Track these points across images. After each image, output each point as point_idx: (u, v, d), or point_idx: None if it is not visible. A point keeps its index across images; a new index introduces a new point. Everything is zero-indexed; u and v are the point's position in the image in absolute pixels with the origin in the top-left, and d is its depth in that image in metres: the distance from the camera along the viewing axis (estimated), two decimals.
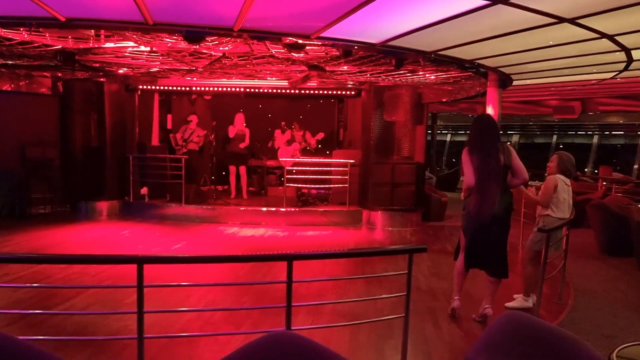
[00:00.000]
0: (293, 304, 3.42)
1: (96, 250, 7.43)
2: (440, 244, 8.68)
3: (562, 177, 5.10)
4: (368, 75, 8.50)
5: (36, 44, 6.51)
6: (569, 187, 5.16)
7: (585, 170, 20.78)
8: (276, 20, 4.62)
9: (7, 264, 5.85)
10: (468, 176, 4.66)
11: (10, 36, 6.03)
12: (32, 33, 5.81)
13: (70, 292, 5.21)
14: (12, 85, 9.96)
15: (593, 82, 8.76)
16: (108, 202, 10.24)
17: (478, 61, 6.30)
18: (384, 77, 8.62)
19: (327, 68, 7.79)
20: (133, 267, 3.16)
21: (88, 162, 10.22)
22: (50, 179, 10.22)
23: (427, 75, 8.19)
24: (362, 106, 10.62)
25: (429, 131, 15.94)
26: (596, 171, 18.93)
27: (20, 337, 3.07)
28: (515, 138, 24.64)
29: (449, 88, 9.49)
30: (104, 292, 5.26)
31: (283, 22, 4.68)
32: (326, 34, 4.90)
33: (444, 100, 10.19)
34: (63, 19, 4.51)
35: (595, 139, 22.06)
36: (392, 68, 6.73)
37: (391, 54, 5.84)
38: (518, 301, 5.31)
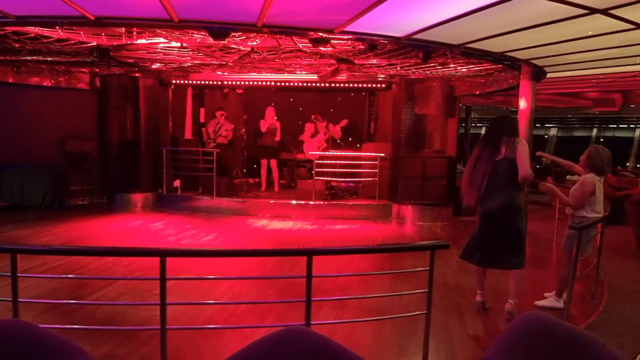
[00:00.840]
0: (314, 299, 3.45)
1: (129, 241, 7.64)
2: None
3: (594, 176, 4.90)
4: (398, 68, 8.41)
5: (72, 41, 6.72)
6: (601, 184, 4.98)
7: (627, 164, 20.02)
8: (298, 15, 4.62)
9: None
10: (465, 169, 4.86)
11: (47, 34, 6.24)
12: (67, 31, 5.99)
13: (102, 282, 5.38)
14: (52, 81, 10.29)
15: (634, 73, 8.41)
16: (142, 194, 10.52)
17: (509, 54, 6.14)
18: (414, 70, 8.51)
19: (356, 61, 7.75)
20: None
21: (124, 155, 10.52)
22: (88, 172, 10.56)
23: (458, 67, 8.04)
24: (392, 99, 10.53)
25: (463, 124, 15.69)
26: (638, 165, 18.24)
27: (52, 326, 3.21)
28: (553, 131, 23.94)
29: (482, 80, 9.30)
30: (134, 282, 5.41)
31: (306, 17, 4.68)
32: (350, 28, 4.87)
33: (476, 93, 9.98)
34: (92, 18, 4.64)
35: (638, 133, 21.21)
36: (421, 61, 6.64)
37: (417, 47, 5.75)
38: (549, 300, 5.18)
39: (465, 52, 5.91)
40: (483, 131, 25.85)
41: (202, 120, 12.35)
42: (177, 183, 10.82)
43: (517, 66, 6.95)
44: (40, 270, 5.68)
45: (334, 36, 5.29)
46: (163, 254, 3.23)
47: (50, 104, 10.43)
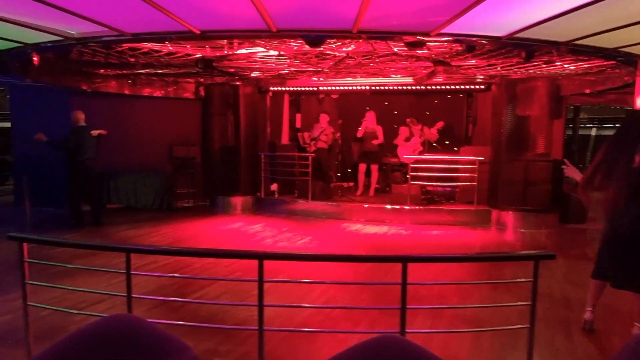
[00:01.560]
0: (409, 307, 3.39)
1: (229, 242, 8.00)
2: (579, 248, 7.97)
3: None
4: (498, 68, 8.05)
5: (179, 54, 7.19)
6: None
7: None
8: (394, 19, 4.58)
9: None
10: (587, 171, 4.31)
11: (158, 48, 6.74)
12: (175, 45, 6.42)
13: (205, 281, 5.68)
14: (162, 92, 11.08)
15: None
16: (242, 198, 10.97)
17: (624, 49, 5.65)
18: (516, 69, 8.10)
19: (453, 63, 7.54)
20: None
21: (225, 160, 11.04)
22: (192, 176, 11.22)
23: (565, 65, 7.53)
24: (492, 100, 10.11)
25: (570, 125, 14.70)
26: None
27: (160, 321, 3.43)
28: None
29: (592, 78, 8.63)
30: (233, 282, 5.66)
31: (401, 21, 4.62)
32: (447, 30, 4.74)
33: (586, 91, 9.29)
34: (198, 32, 4.95)
35: None
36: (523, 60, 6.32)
37: (520, 46, 5.47)
38: None
39: (574, 49, 5.52)
40: (594, 132, 24.00)
41: (298, 125, 12.66)
42: (274, 187, 11.18)
43: (632, 62, 6.38)
44: (150, 268, 6.12)
45: (431, 39, 5.18)
46: (261, 257, 3.34)
47: (160, 112, 11.25)
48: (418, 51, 6.20)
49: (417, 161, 10.01)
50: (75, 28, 5.17)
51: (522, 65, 7.60)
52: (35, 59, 6.42)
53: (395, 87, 10.65)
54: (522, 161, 9.24)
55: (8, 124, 13.01)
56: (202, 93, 11.40)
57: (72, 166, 8.69)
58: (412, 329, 3.63)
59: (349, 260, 4.04)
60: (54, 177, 10.24)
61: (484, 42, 5.34)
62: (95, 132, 8.83)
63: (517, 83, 9.21)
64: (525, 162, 9.22)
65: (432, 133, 11.05)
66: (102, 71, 8.87)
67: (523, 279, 3.62)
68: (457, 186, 10.21)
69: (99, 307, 4.84)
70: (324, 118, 11.22)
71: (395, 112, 12.42)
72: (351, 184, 11.99)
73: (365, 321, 4.69)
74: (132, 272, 3.54)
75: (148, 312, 4.70)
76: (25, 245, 3.65)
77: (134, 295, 3.57)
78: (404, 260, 3.34)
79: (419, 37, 5.12)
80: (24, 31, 5.10)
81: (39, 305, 3.97)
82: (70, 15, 4.47)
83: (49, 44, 5.79)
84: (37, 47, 6.00)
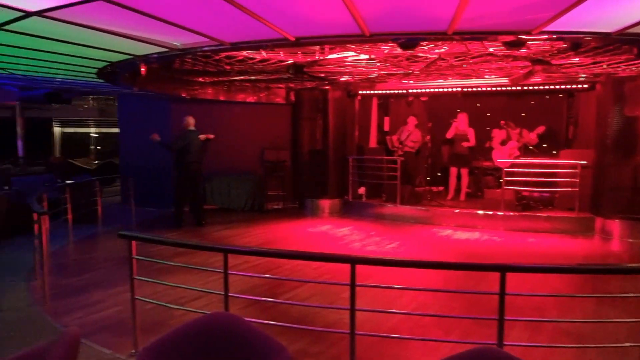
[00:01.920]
0: (506, 318, 3.25)
1: (318, 245, 8.11)
2: None
3: None
4: (604, 66, 7.51)
5: (272, 61, 7.41)
6: None
7: None
8: (491, 18, 4.41)
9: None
10: None
11: (252, 56, 6.99)
12: (269, 52, 6.63)
13: (295, 282, 5.80)
14: (255, 97, 11.49)
15: None
16: (330, 201, 11.09)
17: None
18: (625, 66, 7.51)
19: (554, 62, 7.13)
20: (348, 265, 3.38)
21: (313, 164, 11.26)
22: (282, 179, 11.53)
23: None
24: (596, 101, 9.44)
25: None
26: None
27: (254, 320, 3.55)
28: None
29: None
30: (322, 285, 5.73)
31: (499, 20, 4.43)
32: (550, 27, 4.47)
33: None
34: (293, 39, 5.07)
35: None
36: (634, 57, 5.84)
37: (631, 42, 5.05)
38: None
39: None
40: None
41: (386, 128, 12.57)
42: (361, 190, 11.18)
43: None
44: (242, 268, 6.34)
45: (532, 37, 4.92)
46: (354, 262, 3.35)
47: (253, 117, 11.68)
48: (516, 51, 5.92)
49: (512, 165, 9.57)
50: (179, 40, 5.50)
51: (632, 62, 7.03)
52: (142, 69, 6.91)
53: (489, 89, 10.27)
54: (630, 165, 8.57)
55: (117, 130, 14.13)
56: (293, 98, 11.68)
57: (177, 168, 9.24)
58: (509, 342, 3.46)
59: (444, 268, 3.94)
60: (156, 180, 10.97)
61: (589, 38, 5.00)
62: (202, 136, 9.30)
63: (625, 81, 8.53)
64: (635, 167, 8.54)
65: (532, 137, 10.50)
66: (200, 79, 9.36)
67: (633, 294, 3.34)
68: (556, 191, 9.64)
69: (196, 304, 5.09)
70: (412, 121, 11.05)
71: (488, 114, 11.95)
72: (441, 188, 11.68)
73: (457, 330, 4.55)
74: (229, 271, 3.69)
75: (241, 310, 4.87)
76: (134, 243, 3.93)
77: (230, 294, 3.72)
78: (503, 269, 3.21)
79: (519, 37, 4.88)
80: (133, 44, 5.49)
81: (144, 299, 4.25)
82: (176, 28, 4.76)
83: (155, 55, 6.20)
84: (145, 58, 6.44)
